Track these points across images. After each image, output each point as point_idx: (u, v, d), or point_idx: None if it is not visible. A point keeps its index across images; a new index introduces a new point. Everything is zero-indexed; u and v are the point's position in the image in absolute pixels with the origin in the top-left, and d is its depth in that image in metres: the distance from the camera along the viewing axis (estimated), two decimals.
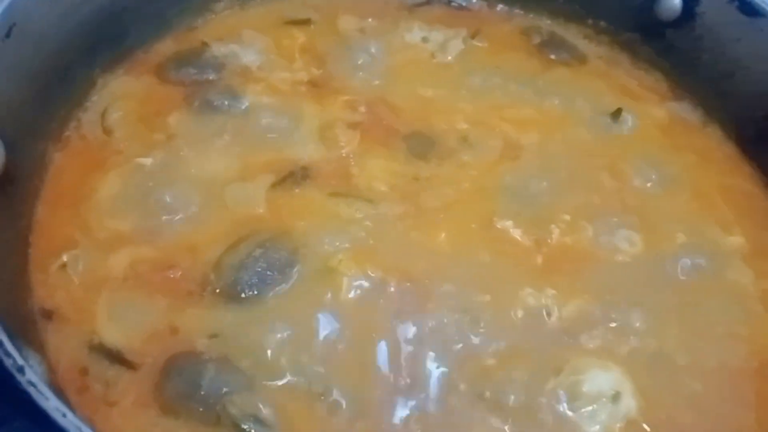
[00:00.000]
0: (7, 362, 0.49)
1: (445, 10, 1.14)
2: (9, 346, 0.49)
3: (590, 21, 1.12)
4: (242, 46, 1.00)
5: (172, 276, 0.75)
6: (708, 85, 1.03)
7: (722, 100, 1.02)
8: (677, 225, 0.89)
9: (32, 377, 0.48)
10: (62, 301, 0.72)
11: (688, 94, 1.06)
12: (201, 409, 0.65)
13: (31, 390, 0.47)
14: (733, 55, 1.00)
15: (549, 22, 1.14)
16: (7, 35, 0.74)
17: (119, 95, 0.91)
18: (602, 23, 1.11)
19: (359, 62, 1.01)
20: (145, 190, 0.81)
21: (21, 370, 0.48)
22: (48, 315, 0.71)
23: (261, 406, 0.66)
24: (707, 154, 1.00)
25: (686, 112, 1.05)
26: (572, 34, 1.12)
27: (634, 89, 1.07)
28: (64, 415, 0.46)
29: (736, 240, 0.89)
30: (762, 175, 0.97)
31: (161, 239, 0.77)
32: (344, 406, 0.68)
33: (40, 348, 0.67)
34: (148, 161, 0.83)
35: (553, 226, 0.85)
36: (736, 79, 1.00)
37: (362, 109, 0.95)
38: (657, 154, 0.97)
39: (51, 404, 0.47)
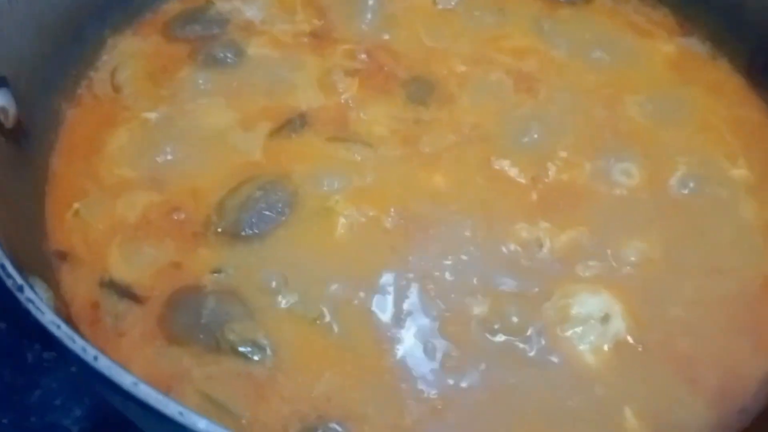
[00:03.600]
0: (8, 282, 0.53)
1: None
2: (10, 268, 0.54)
3: None
4: (245, 1, 1.02)
5: (176, 218, 0.79)
6: (717, 16, 1.01)
7: (732, 31, 0.99)
8: (680, 157, 0.88)
9: (30, 295, 0.52)
10: (76, 244, 0.77)
11: (696, 28, 1.03)
12: (202, 337, 0.69)
13: (30, 306, 0.52)
14: None
15: None
16: None
17: (128, 54, 0.95)
18: None
19: (360, 11, 1.02)
20: (150, 142, 0.85)
21: (20, 288, 0.53)
22: (63, 256, 0.76)
23: (258, 331, 0.70)
24: (716, 86, 0.97)
25: (695, 46, 1.03)
26: None
27: (642, 26, 1.05)
28: (58, 327, 0.50)
29: (740, 172, 0.87)
30: None
31: (166, 186, 0.81)
32: (336, 329, 0.71)
33: (54, 286, 0.72)
34: (153, 115, 0.87)
35: (549, 163, 0.86)
36: (746, 8, 0.97)
37: (362, 56, 0.96)
38: (663, 89, 0.96)
39: (47, 318, 0.51)
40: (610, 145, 0.88)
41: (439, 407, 0.68)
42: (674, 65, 1.00)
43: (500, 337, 0.72)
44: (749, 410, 0.72)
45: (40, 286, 0.62)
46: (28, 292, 0.52)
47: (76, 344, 0.50)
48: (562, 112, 0.92)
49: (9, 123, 0.75)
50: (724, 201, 0.84)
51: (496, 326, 0.72)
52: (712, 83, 0.98)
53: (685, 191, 0.85)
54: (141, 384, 0.49)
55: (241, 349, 0.68)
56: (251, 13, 1.01)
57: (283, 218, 0.79)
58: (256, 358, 0.68)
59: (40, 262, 0.74)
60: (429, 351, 0.71)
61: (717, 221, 0.83)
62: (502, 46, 1.00)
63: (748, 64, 0.98)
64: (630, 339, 0.72)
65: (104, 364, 0.50)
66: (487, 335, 0.72)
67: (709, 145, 0.90)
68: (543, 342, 0.72)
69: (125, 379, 0.49)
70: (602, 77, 0.96)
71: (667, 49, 1.02)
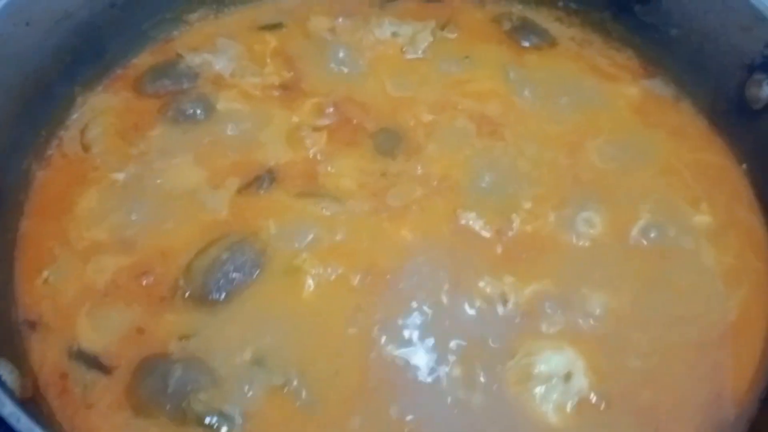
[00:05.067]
0: None
1: (417, 2, 1.15)
2: None
3: (561, 3, 1.12)
4: (215, 54, 1.04)
5: (145, 282, 0.80)
6: (679, 60, 1.03)
7: (694, 74, 1.01)
8: (642, 204, 0.90)
9: None
10: (45, 311, 0.78)
11: (660, 71, 1.05)
12: (168, 407, 0.70)
13: None
14: (701, 28, 0.99)
15: (520, 7, 1.14)
16: None
17: (98, 112, 0.96)
18: (572, 5, 1.11)
19: (329, 63, 1.04)
20: (119, 203, 0.86)
21: None
22: (32, 325, 0.77)
23: (225, 400, 0.71)
24: (679, 130, 0.99)
25: (659, 88, 1.04)
26: (543, 18, 1.13)
27: (606, 69, 1.07)
28: (18, 420, 0.51)
29: (703, 218, 0.89)
30: (733, 148, 0.96)
31: (135, 248, 0.82)
32: (304, 394, 0.72)
33: (22, 355, 0.73)
34: (122, 175, 0.88)
35: (514, 215, 0.87)
36: (706, 52, 0.99)
37: (330, 109, 0.98)
38: (625, 133, 0.98)
39: (6, 410, 0.52)
40: (572, 194, 0.90)
41: None
42: (637, 109, 1.01)
43: (465, 398, 0.73)
44: None
45: (5, 367, 0.63)
46: None
47: None
48: (526, 161, 0.93)
49: None
50: (686, 248, 0.86)
51: (461, 386, 0.73)
52: (675, 127, 0.99)
53: (648, 240, 0.86)
54: None
55: (207, 419, 0.69)
56: (221, 65, 1.02)
57: (251, 279, 0.80)
58: (222, 429, 0.69)
59: (7, 333, 0.75)
60: (394, 414, 0.72)
61: (678, 269, 0.84)
62: (465, 90, 1.01)
63: (711, 107, 1.00)
64: (593, 396, 0.73)
65: None
66: (452, 395, 0.73)
67: (671, 191, 0.92)
68: (507, 401, 0.73)
69: None
70: (566, 123, 0.98)
71: (631, 92, 1.04)
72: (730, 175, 0.94)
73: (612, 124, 0.99)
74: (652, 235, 0.86)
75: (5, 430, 0.52)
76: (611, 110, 1.01)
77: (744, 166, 0.95)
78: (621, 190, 0.91)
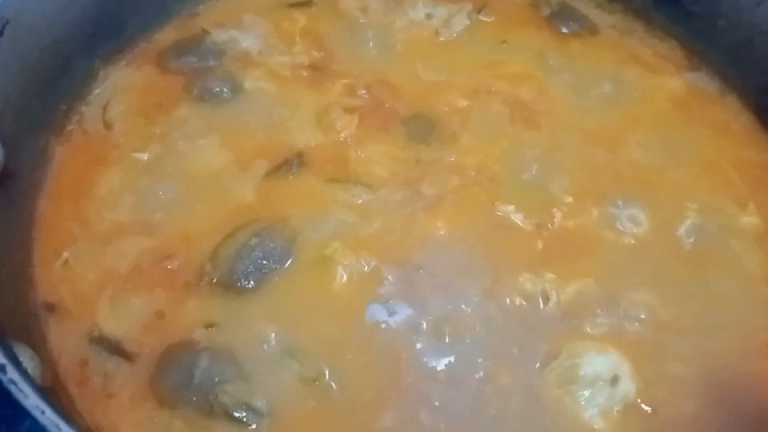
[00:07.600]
0: None
1: None
2: None
3: None
4: (242, 31, 0.99)
5: (169, 267, 0.76)
6: (725, 52, 0.99)
7: (740, 67, 0.97)
8: (688, 203, 0.86)
9: (13, 375, 0.49)
10: (65, 295, 0.74)
11: (704, 63, 1.01)
12: (195, 399, 0.66)
13: (11, 388, 0.49)
14: (751, 20, 0.95)
15: None
16: (1, 33, 0.75)
17: (121, 87, 0.92)
18: None
19: (360, 44, 0.99)
20: (142, 184, 0.82)
21: (2, 369, 0.50)
22: (51, 308, 0.73)
23: (254, 393, 0.67)
24: (723, 125, 0.95)
25: (703, 82, 1.00)
26: (584, 3, 1.08)
27: (648, 59, 1.03)
28: (42, 412, 0.48)
29: (750, 219, 0.85)
30: None
31: (158, 231, 0.79)
32: (335, 389, 0.68)
33: (41, 341, 0.69)
34: (144, 156, 0.84)
35: (555, 209, 0.83)
36: (755, 46, 0.95)
37: (362, 92, 0.93)
38: (667, 129, 0.94)
39: (30, 402, 0.48)
40: (614, 190, 0.86)
41: None
42: (680, 102, 0.97)
43: (504, 401, 0.69)
44: None
45: (25, 352, 0.59)
46: (11, 373, 0.49)
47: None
48: (565, 153, 0.89)
49: None
50: (732, 250, 0.82)
51: (499, 388, 0.70)
52: (719, 122, 0.95)
53: (693, 240, 0.82)
54: None
55: (235, 413, 0.65)
56: (248, 43, 0.98)
57: (280, 267, 0.76)
58: (251, 424, 0.66)
59: (26, 317, 0.71)
60: (426, 414, 0.68)
61: (724, 272, 0.81)
62: (500, 74, 0.97)
63: (756, 103, 0.96)
64: (640, 401, 0.70)
65: None
66: (490, 399, 0.70)
67: (716, 190, 0.88)
68: (549, 405, 0.69)
69: None
70: (605, 115, 0.94)
71: (674, 85, 0.99)
72: None
73: (653, 118, 0.95)
74: (698, 235, 0.83)
75: (30, 421, 0.49)
76: (652, 103, 0.97)
77: None
78: (664, 187, 0.88)
